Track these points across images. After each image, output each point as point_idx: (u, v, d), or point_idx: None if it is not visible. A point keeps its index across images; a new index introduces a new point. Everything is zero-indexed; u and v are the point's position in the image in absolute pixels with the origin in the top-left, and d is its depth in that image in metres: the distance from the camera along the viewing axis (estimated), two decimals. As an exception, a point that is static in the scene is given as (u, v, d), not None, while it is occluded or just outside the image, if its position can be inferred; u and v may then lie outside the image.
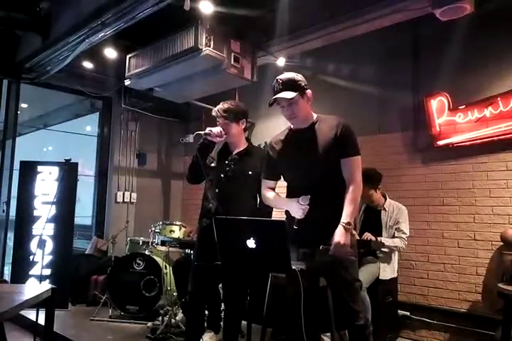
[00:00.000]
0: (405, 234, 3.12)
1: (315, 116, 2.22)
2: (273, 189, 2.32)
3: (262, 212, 2.58)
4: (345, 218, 2.01)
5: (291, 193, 2.18)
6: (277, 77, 2.13)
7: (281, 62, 4.09)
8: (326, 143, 2.09)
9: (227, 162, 2.64)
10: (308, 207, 2.02)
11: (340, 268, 2.04)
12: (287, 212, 2.17)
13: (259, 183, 2.62)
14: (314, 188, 2.06)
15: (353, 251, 2.09)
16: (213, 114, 2.68)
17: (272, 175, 2.32)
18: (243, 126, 2.71)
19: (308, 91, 2.16)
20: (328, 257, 2.00)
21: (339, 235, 1.98)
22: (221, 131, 2.58)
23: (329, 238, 2.02)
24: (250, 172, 2.60)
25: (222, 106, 2.65)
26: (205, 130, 2.58)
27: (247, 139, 2.81)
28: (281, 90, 2.09)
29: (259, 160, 2.64)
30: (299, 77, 2.14)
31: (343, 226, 1.99)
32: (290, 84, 2.09)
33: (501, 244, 2.90)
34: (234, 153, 2.69)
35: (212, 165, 2.66)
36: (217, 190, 2.62)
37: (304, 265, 2.05)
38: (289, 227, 2.11)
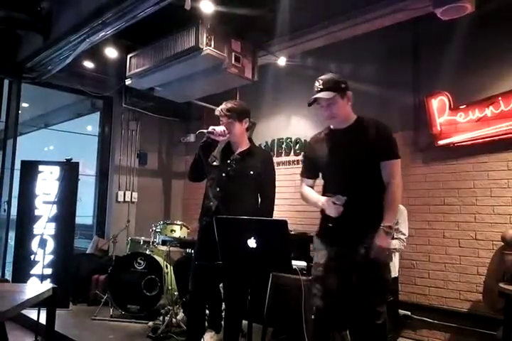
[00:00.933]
0: (404, 234, 3.11)
1: (355, 116, 2.22)
2: (311, 187, 2.33)
3: (262, 212, 2.58)
4: (386, 221, 2.03)
5: (327, 192, 2.19)
6: (319, 77, 2.16)
7: (282, 61, 4.09)
8: (366, 144, 2.10)
9: (229, 161, 2.64)
10: (342, 207, 2.03)
11: (372, 269, 2.05)
12: (322, 210, 2.18)
13: (261, 183, 2.63)
14: (350, 189, 2.07)
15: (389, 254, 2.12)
16: (216, 113, 2.69)
17: (310, 173, 2.34)
18: (246, 126, 2.72)
19: (349, 93, 2.17)
20: (362, 258, 2.03)
21: (380, 239, 2.00)
22: (224, 131, 2.59)
23: (362, 238, 2.05)
24: (252, 172, 2.61)
25: (225, 105, 2.67)
26: (207, 129, 2.59)
27: (250, 139, 2.81)
28: (321, 90, 2.11)
29: (260, 161, 2.65)
30: (338, 77, 2.18)
31: (384, 230, 2.01)
32: (330, 85, 2.12)
33: (502, 243, 2.89)
34: (236, 153, 2.69)
35: (215, 163, 2.66)
36: (218, 189, 2.62)
37: (334, 263, 2.10)
38: (324, 224, 2.19)
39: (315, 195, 2.26)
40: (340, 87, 2.13)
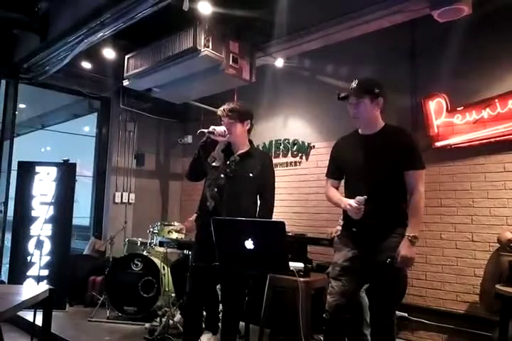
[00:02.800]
0: None
1: (383, 123, 2.26)
2: (336, 188, 2.37)
3: (261, 215, 2.57)
4: (410, 231, 2.06)
5: (348, 194, 2.24)
6: (357, 78, 2.25)
7: (279, 63, 4.10)
8: (390, 152, 2.14)
9: (228, 162, 2.63)
10: (363, 207, 2.06)
11: (389, 273, 2.08)
12: (344, 212, 2.22)
13: (260, 186, 2.63)
14: (370, 193, 2.09)
15: None
16: (219, 113, 2.68)
17: (335, 174, 2.39)
18: (247, 127, 2.71)
19: (380, 99, 2.21)
20: (381, 263, 2.06)
21: (405, 248, 2.03)
22: (225, 131, 2.59)
23: (381, 242, 2.09)
24: (251, 175, 2.60)
25: (227, 106, 2.66)
26: (208, 128, 2.59)
27: (250, 141, 2.79)
28: (354, 89, 2.20)
29: (260, 163, 2.64)
30: (375, 82, 2.25)
31: (409, 240, 2.04)
32: (363, 86, 2.19)
33: (499, 245, 2.90)
34: (236, 154, 2.68)
35: (214, 164, 2.66)
36: (216, 190, 2.61)
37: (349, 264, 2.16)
38: (346, 226, 2.25)
39: (338, 195, 2.30)
40: (373, 90, 2.19)
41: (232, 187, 2.57)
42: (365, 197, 2.05)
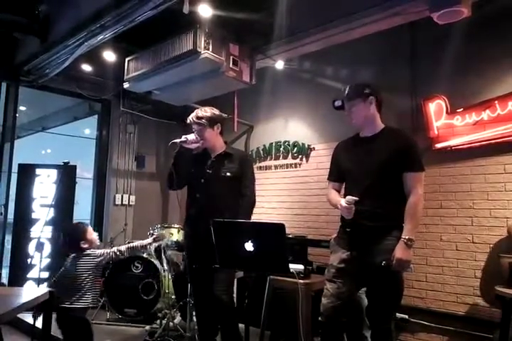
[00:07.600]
0: None
1: (382, 126, 2.27)
2: (338, 191, 2.38)
3: (240, 210, 2.57)
4: (406, 233, 2.06)
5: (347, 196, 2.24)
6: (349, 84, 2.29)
7: (279, 65, 4.11)
8: (389, 154, 2.14)
9: (205, 166, 2.67)
10: (353, 207, 2.06)
11: (386, 276, 2.08)
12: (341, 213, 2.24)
13: (240, 183, 2.62)
14: (367, 195, 2.10)
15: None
16: (187, 122, 2.73)
17: (335, 177, 2.40)
18: (218, 131, 2.74)
19: (371, 98, 2.21)
20: (376, 265, 2.05)
21: (401, 251, 2.03)
22: (196, 137, 2.62)
23: (376, 244, 2.09)
24: (228, 174, 2.64)
25: (195, 113, 2.71)
26: (180, 138, 2.62)
27: (226, 142, 2.84)
28: (345, 95, 2.24)
29: (237, 162, 2.67)
30: (365, 84, 2.28)
31: (405, 242, 2.03)
32: (354, 90, 2.23)
33: (498, 246, 2.90)
34: (212, 157, 2.73)
35: (192, 170, 2.69)
36: (197, 195, 2.66)
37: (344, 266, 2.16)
38: (341, 228, 2.27)
39: (337, 197, 2.32)
40: (362, 91, 2.21)
41: (211, 190, 2.61)
42: (357, 198, 2.06)
